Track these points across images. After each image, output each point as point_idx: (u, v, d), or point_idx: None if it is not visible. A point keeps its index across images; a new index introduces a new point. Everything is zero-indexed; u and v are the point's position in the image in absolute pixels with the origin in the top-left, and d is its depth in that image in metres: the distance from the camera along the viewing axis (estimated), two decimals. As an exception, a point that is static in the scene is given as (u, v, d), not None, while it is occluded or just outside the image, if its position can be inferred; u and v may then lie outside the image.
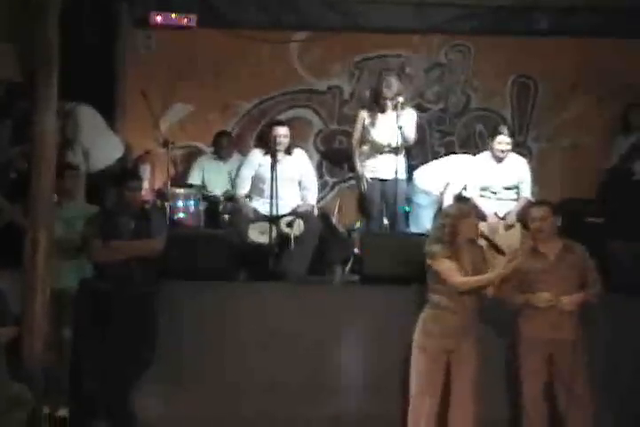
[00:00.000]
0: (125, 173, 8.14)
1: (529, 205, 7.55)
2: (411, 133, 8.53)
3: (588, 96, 10.29)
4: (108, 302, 6.73)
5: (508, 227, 8.27)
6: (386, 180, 8.57)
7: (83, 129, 8.48)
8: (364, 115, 8.69)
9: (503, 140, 8.42)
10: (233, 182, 8.81)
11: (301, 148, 8.65)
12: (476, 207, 7.99)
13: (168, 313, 7.05)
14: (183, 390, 7.15)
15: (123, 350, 6.68)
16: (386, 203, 8.66)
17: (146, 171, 9.34)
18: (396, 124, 8.36)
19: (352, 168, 9.01)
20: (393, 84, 8.56)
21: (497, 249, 6.48)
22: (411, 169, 8.84)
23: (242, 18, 10.17)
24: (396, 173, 8.38)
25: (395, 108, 8.42)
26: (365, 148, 8.69)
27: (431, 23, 10.29)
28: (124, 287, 6.79)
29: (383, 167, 8.59)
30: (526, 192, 8.48)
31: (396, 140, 8.43)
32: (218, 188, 9.24)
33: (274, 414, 7.06)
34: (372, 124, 8.61)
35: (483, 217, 8.19)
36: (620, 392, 7.02)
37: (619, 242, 7.82)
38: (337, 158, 9.94)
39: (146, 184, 8.56)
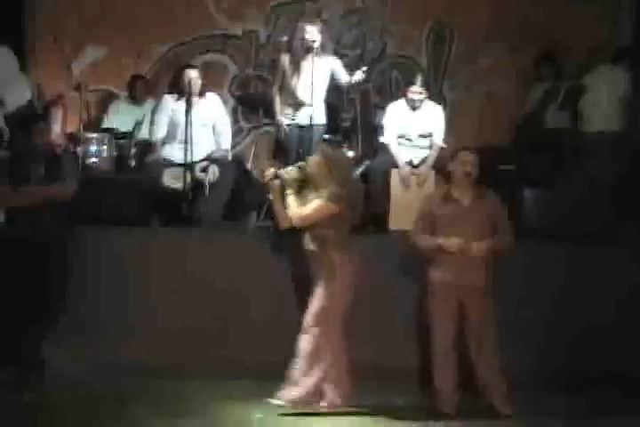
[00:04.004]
0: (32, 115, 7.99)
1: (444, 152, 7.59)
2: (345, 77, 8.56)
3: (503, 44, 10.30)
4: (19, 248, 6.65)
5: (422, 182, 8.32)
6: (304, 126, 8.51)
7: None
8: (285, 61, 8.57)
9: (416, 90, 8.50)
10: (148, 127, 8.70)
11: (214, 92, 8.55)
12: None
13: (81, 259, 7.01)
14: (97, 337, 7.12)
15: (33, 297, 6.63)
16: (302, 149, 8.64)
17: (57, 115, 9.18)
18: (317, 73, 8.27)
19: (269, 114, 8.96)
20: (316, 33, 8.41)
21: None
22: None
23: (156, -40, 10.02)
24: (311, 120, 8.36)
25: (316, 54, 8.32)
26: (288, 98, 8.54)
27: (348, -32, 10.25)
28: (35, 233, 6.71)
29: (302, 114, 8.52)
30: (439, 140, 8.52)
31: (316, 89, 8.34)
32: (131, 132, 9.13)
33: (188, 359, 7.09)
34: (294, 71, 8.49)
35: (396, 166, 8.33)
36: (530, 339, 7.15)
37: (529, 189, 7.94)
38: (252, 104, 9.88)
39: (57, 128, 8.43)
